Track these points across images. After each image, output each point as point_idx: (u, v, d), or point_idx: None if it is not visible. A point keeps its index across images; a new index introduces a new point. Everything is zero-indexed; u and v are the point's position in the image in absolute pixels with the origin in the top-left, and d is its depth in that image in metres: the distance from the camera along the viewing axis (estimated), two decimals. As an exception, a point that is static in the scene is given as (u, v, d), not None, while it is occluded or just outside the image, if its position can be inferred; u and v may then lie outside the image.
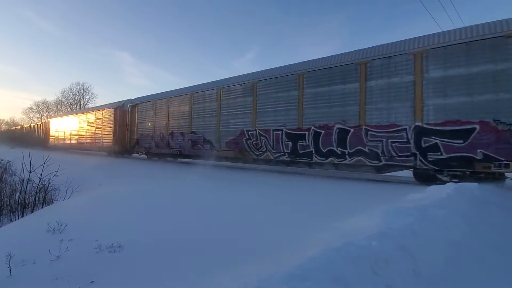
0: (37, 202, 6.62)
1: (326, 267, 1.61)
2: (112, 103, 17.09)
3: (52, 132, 24.41)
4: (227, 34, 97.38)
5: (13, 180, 8.14)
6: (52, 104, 51.51)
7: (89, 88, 49.88)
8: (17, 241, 3.82)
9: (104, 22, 78.76)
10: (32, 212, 6.17)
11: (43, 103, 52.99)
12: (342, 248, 1.80)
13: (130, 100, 16.00)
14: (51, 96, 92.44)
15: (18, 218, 6.09)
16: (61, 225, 3.97)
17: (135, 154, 16.43)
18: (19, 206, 6.53)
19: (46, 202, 6.68)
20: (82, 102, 47.62)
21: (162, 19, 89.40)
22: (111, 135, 16.35)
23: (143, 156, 15.68)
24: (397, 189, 5.65)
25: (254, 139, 9.17)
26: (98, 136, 17.81)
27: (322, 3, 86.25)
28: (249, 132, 9.39)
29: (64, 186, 6.80)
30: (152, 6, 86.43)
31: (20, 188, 7.00)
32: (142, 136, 14.45)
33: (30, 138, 28.82)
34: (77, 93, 48.11)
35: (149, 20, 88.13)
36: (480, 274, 2.18)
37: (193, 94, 11.74)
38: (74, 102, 48.06)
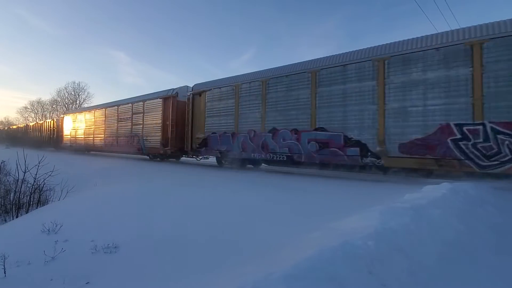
0: (31, 203, 6.56)
1: (322, 267, 1.62)
2: (159, 92, 13.20)
3: (67, 131, 20.72)
4: (223, 33, 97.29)
5: (8, 180, 8.06)
6: (47, 104, 51.11)
7: (85, 88, 49.59)
8: (11, 242, 3.78)
9: (100, 21, 78.12)
10: (26, 213, 6.11)
11: (38, 102, 52.51)
12: (338, 247, 1.81)
13: (185, 88, 12.27)
14: (46, 95, 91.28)
15: (13, 219, 6.03)
16: (56, 226, 3.94)
17: (184, 158, 13.23)
18: (13, 206, 6.48)
19: (41, 202, 6.62)
20: (77, 102, 47.26)
21: (158, 18, 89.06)
22: (158, 134, 12.45)
23: (204, 162, 12.21)
24: (393, 189, 5.68)
25: (479, 140, 5.62)
26: (136, 135, 13.79)
27: (320, 3, 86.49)
28: (463, 128, 5.80)
29: (59, 186, 6.75)
30: (148, 5, 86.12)
31: (14, 189, 6.94)
32: (214, 135, 10.38)
33: (37, 137, 25.77)
34: (73, 93, 47.73)
35: (144, 19, 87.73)
36: (475, 274, 2.20)
37: (317, 71, 7.86)
38: (69, 102, 47.69)
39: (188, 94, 11.69)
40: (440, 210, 2.96)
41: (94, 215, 4.57)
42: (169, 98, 12.27)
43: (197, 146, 11.05)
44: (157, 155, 13.34)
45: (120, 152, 15.62)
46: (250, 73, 9.85)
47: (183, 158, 13.54)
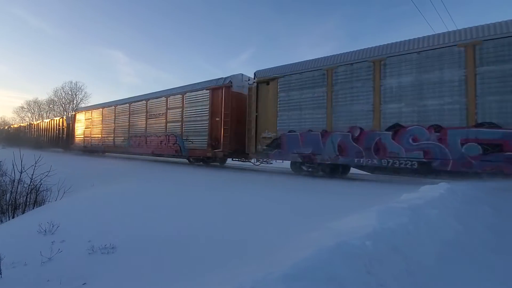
0: (28, 203, 6.52)
1: (320, 267, 1.62)
2: (204, 81, 10.94)
3: (80, 130, 18.41)
4: (222, 33, 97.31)
5: (4, 181, 8.00)
6: (44, 104, 50.88)
7: (82, 87, 49.50)
8: (7, 243, 3.75)
9: (97, 20, 77.91)
10: (23, 213, 6.07)
11: (34, 102, 52.30)
12: (336, 247, 1.81)
13: (239, 76, 10.16)
14: (43, 95, 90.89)
15: (9, 219, 5.99)
16: (52, 226, 3.92)
17: (230, 162, 11.39)
18: (9, 207, 6.42)
19: (37, 203, 6.58)
20: (75, 102, 47.10)
21: (156, 18, 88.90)
22: (204, 133, 10.40)
23: (266, 167, 10.06)
24: (390, 189, 5.70)
25: None
26: (172, 134, 11.65)
27: (318, 3, 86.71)
28: None
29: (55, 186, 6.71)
30: (146, 5, 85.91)
31: (11, 189, 6.88)
32: (292, 134, 8.16)
33: (42, 137, 23.91)
34: (70, 92, 47.53)
35: (142, 19, 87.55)
36: (474, 273, 2.21)
37: (476, 44, 5.73)
38: (66, 102, 47.55)
39: (250, 82, 9.42)
40: (437, 210, 2.97)
41: (91, 216, 4.54)
42: (219, 89, 10.07)
43: (265, 148, 8.71)
44: (200, 159, 11.23)
45: (149, 154, 13.39)
46: (350, 52, 7.49)
47: (230, 163, 11.70)
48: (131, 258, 2.99)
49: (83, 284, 2.59)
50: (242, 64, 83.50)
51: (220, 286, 1.99)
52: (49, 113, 48.82)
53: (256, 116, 9.09)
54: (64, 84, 54.63)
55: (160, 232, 3.60)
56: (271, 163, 9.35)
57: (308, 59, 7.90)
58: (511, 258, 2.46)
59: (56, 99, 48.57)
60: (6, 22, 69.82)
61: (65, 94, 47.72)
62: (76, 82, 51.18)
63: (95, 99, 62.78)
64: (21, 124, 33.67)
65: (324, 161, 7.58)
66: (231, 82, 9.93)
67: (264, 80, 8.97)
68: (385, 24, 78.18)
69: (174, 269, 2.68)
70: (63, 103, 47.75)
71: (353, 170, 8.39)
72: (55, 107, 48.52)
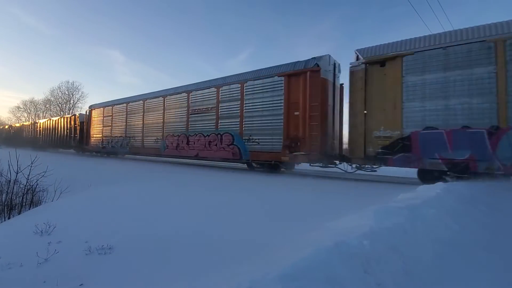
0: (24, 204, 6.47)
1: (318, 267, 1.62)
2: (276, 66, 8.81)
3: (96, 128, 16.39)
4: (220, 34, 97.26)
5: (-1, 181, 7.92)
6: (41, 103, 50.49)
7: (79, 87, 49.18)
8: (3, 243, 3.72)
9: (94, 20, 77.38)
10: (19, 214, 6.02)
11: (31, 102, 51.89)
12: (334, 247, 1.81)
13: (326, 58, 7.99)
14: (40, 95, 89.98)
15: (4, 220, 5.93)
16: (49, 227, 3.89)
17: (303, 168, 9.42)
18: (5, 207, 6.37)
19: (34, 203, 6.53)
20: (71, 101, 46.84)
21: (154, 18, 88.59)
22: (277, 130, 8.38)
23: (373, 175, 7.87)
24: (388, 189, 5.72)
25: None
26: (227, 132, 9.53)
27: (315, 4, 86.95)
28: None
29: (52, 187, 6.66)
30: (143, 5, 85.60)
31: (6, 190, 6.82)
32: (430, 133, 6.20)
33: (49, 137, 21.92)
34: (67, 92, 47.23)
35: (140, 18, 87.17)
36: (470, 272, 2.22)
37: None
38: (63, 102, 47.25)
39: (358, 63, 7.15)
40: (434, 209, 2.99)
41: (88, 216, 4.51)
42: (300, 75, 8.01)
43: (379, 151, 6.75)
44: (270, 164, 9.04)
45: (192, 158, 10.91)
46: None
47: (302, 168, 9.67)
48: (129, 259, 2.97)
49: (80, 285, 2.58)
50: (241, 63, 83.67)
51: (218, 285, 1.99)
52: (46, 113, 48.57)
53: (365, 108, 7.08)
54: (60, 84, 54.52)
55: (157, 232, 3.58)
56: (375, 171, 7.18)
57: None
58: (507, 257, 2.48)
59: (52, 98, 48.28)
60: (3, 21, 69.23)
61: (62, 94, 47.45)
62: (73, 82, 51.12)
63: (93, 99, 62.63)
64: (24, 123, 30.67)
65: (493, 171, 5.43)
66: (318, 66, 7.76)
67: (378, 60, 6.84)
68: (384, 24, 78.64)
69: (171, 269, 2.67)
70: (59, 103, 47.50)
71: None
72: (52, 107, 48.26)
